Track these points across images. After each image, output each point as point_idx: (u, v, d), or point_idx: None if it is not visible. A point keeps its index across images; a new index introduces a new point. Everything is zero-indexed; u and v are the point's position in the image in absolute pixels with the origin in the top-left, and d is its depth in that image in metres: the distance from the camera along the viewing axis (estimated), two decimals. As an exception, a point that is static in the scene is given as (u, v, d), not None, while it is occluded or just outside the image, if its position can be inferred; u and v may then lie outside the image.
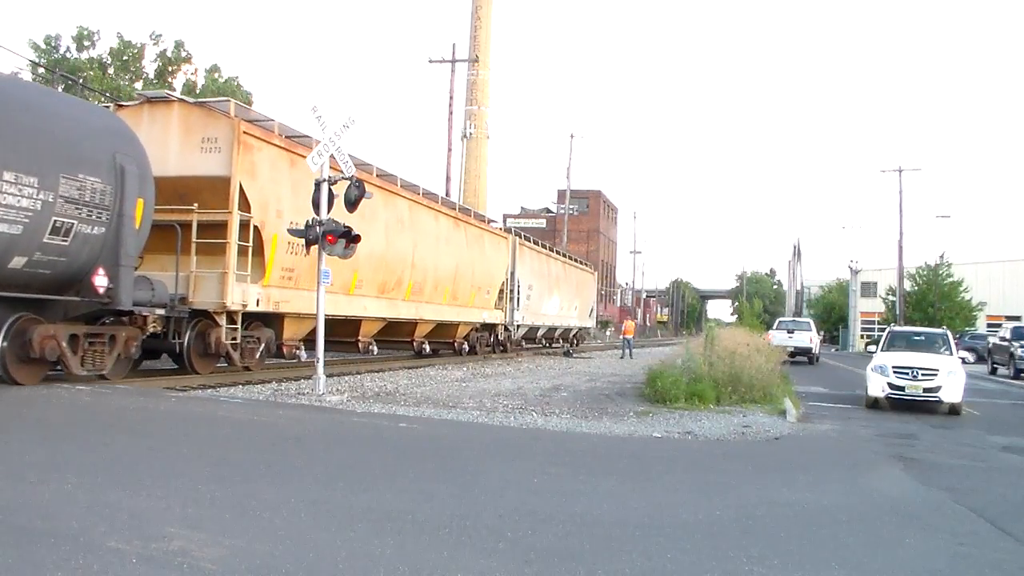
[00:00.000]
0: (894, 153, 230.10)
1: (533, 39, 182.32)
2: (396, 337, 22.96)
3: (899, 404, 16.07)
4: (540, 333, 36.51)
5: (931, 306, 51.05)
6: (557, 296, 37.77)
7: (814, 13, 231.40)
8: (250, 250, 14.99)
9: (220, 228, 14.60)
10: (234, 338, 15.15)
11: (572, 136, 60.75)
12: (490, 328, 29.49)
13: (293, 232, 13.88)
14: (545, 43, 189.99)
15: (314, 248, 13.66)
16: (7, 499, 5.79)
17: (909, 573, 5.42)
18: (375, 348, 21.09)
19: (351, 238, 13.54)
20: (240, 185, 14.72)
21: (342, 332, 19.77)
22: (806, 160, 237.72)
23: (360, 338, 20.30)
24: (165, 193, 14.25)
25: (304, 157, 15.95)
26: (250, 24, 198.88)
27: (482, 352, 29.03)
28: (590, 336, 49.71)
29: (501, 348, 31.24)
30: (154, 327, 13.85)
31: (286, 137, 16.61)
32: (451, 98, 37.69)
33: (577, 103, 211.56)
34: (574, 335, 43.01)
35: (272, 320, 16.69)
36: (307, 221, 13.47)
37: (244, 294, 14.93)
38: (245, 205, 14.90)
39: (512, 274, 30.51)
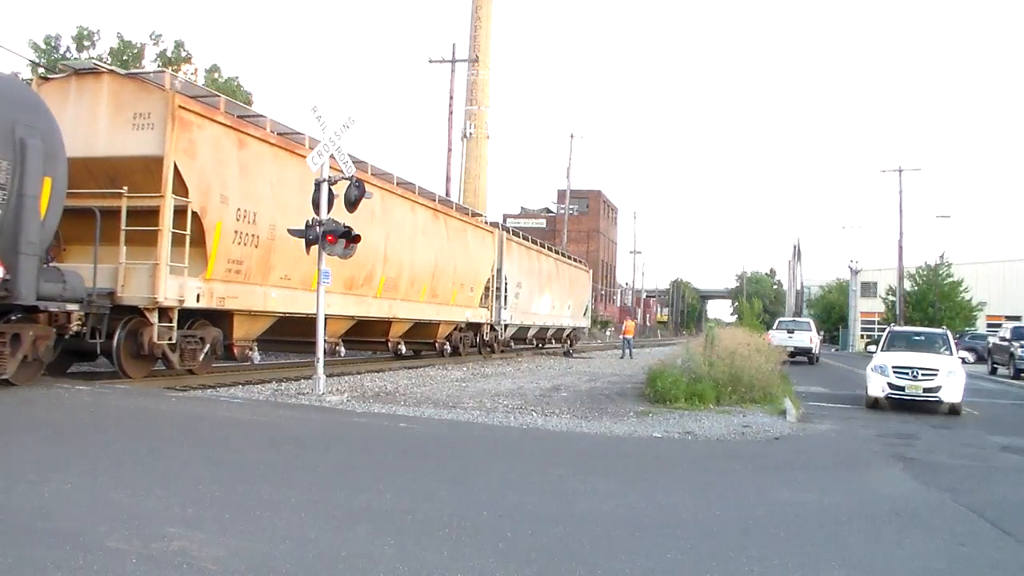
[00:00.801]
0: (894, 153, 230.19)
1: (533, 39, 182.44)
2: (369, 337, 21.60)
3: (899, 404, 16.06)
4: (531, 333, 34.97)
5: (931, 306, 51.06)
6: (548, 295, 36.26)
7: (814, 13, 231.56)
8: (187, 239, 13.52)
9: (154, 215, 13.20)
10: (171, 338, 13.57)
11: (572, 136, 60.81)
12: (475, 328, 28.06)
13: (293, 232, 13.81)
14: (545, 43, 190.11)
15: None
16: (7, 499, 5.79)
17: (909, 573, 5.42)
18: (342, 349, 19.41)
19: (351, 238, 13.53)
20: (175, 166, 13.28)
21: (305, 331, 17.76)
22: (806, 160, 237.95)
23: (326, 338, 18.73)
24: (95, 175, 13.29)
25: (253, 136, 15.12)
26: (250, 24, 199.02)
27: (466, 353, 27.48)
28: (585, 336, 48.21)
29: (488, 349, 29.75)
30: (78, 325, 12.36)
31: (238, 116, 15.28)
32: (451, 98, 37.69)
33: (577, 103, 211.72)
34: (568, 335, 41.55)
35: (220, 318, 15.26)
36: (307, 221, 13.45)
37: (180, 288, 13.47)
38: (182, 189, 13.46)
39: (499, 271, 29.01)
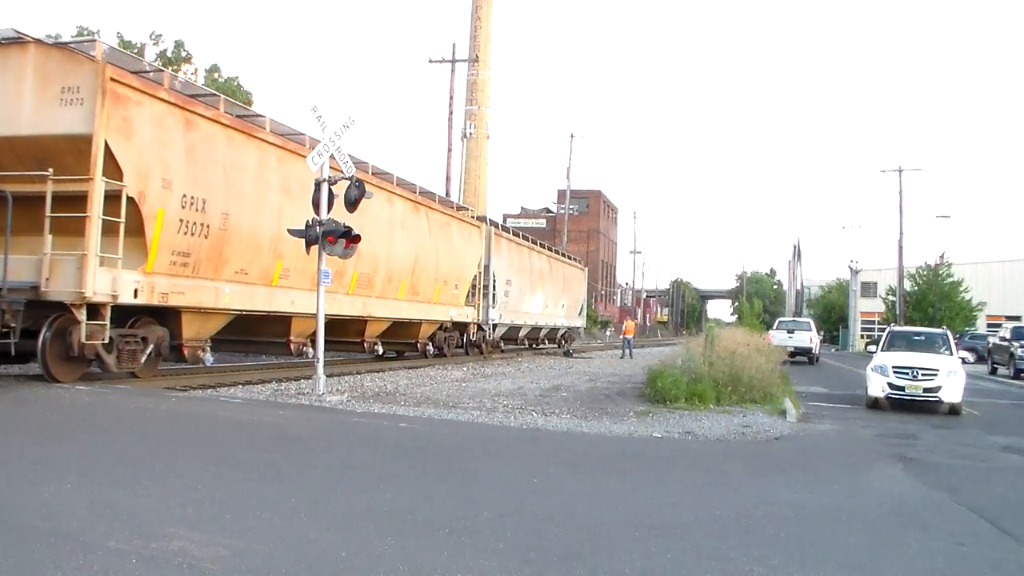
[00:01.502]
0: (894, 153, 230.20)
1: (533, 39, 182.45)
2: (342, 337, 20.37)
3: (899, 404, 16.06)
4: (522, 333, 33.77)
5: (931, 306, 51.06)
6: (541, 293, 35.14)
7: (814, 13, 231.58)
8: (122, 227, 12.34)
9: (86, 200, 12.06)
10: (104, 337, 12.37)
11: (572, 136, 60.73)
12: (462, 328, 26.85)
13: (293, 232, 13.80)
14: (545, 43, 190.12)
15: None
16: (7, 499, 5.80)
17: (909, 573, 5.42)
18: (310, 350, 17.75)
19: (351, 238, 13.53)
20: (107, 145, 12.09)
21: (269, 331, 17.34)
22: (806, 160, 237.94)
23: (292, 338, 17.59)
24: (21, 157, 12.35)
25: (203, 116, 13.99)
26: (250, 24, 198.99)
27: (452, 354, 26.27)
28: (581, 336, 46.85)
29: (476, 350, 28.57)
30: None
31: (190, 95, 14.19)
32: (451, 98, 37.71)
33: (577, 103, 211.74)
34: (562, 335, 40.63)
35: (167, 316, 14.05)
36: (307, 221, 13.44)
37: (113, 283, 12.31)
38: (116, 171, 12.28)
39: (487, 267, 27.75)
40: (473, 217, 28.35)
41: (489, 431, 10.89)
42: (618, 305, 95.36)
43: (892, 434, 12.61)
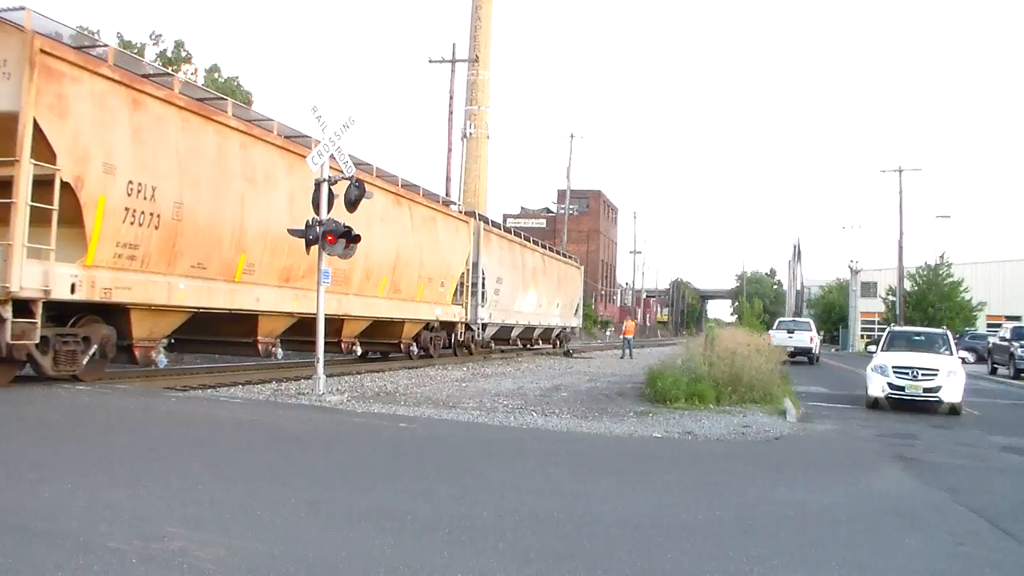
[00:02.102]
0: (894, 153, 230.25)
1: (533, 39, 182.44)
2: (310, 336, 19.16)
3: (899, 404, 16.07)
4: (514, 333, 32.51)
5: (931, 306, 51.10)
6: (534, 291, 33.79)
7: (814, 13, 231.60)
8: (55, 215, 11.26)
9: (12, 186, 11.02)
10: (35, 337, 11.29)
11: (572, 136, 60.56)
12: (449, 327, 25.70)
13: (293, 232, 13.79)
14: (545, 43, 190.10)
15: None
16: (7, 499, 5.79)
17: (909, 573, 5.42)
18: (280, 351, 17.02)
19: (351, 238, 13.53)
20: (36, 124, 11.10)
21: (235, 330, 16.12)
22: (806, 160, 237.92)
23: (260, 338, 16.38)
24: None
25: (153, 96, 12.87)
26: (250, 24, 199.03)
27: (439, 355, 25.11)
28: (576, 336, 45.52)
29: (464, 350, 27.55)
30: None
31: (125, 71, 12.76)
32: (451, 98, 37.71)
33: (577, 103, 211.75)
34: (556, 335, 39.36)
35: (115, 314, 12.86)
36: (307, 221, 13.44)
37: (45, 276, 11.25)
38: (48, 153, 11.27)
39: (475, 264, 26.55)
40: (461, 212, 27.22)
41: (489, 431, 10.89)
42: (618, 305, 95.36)
43: (892, 434, 12.61)
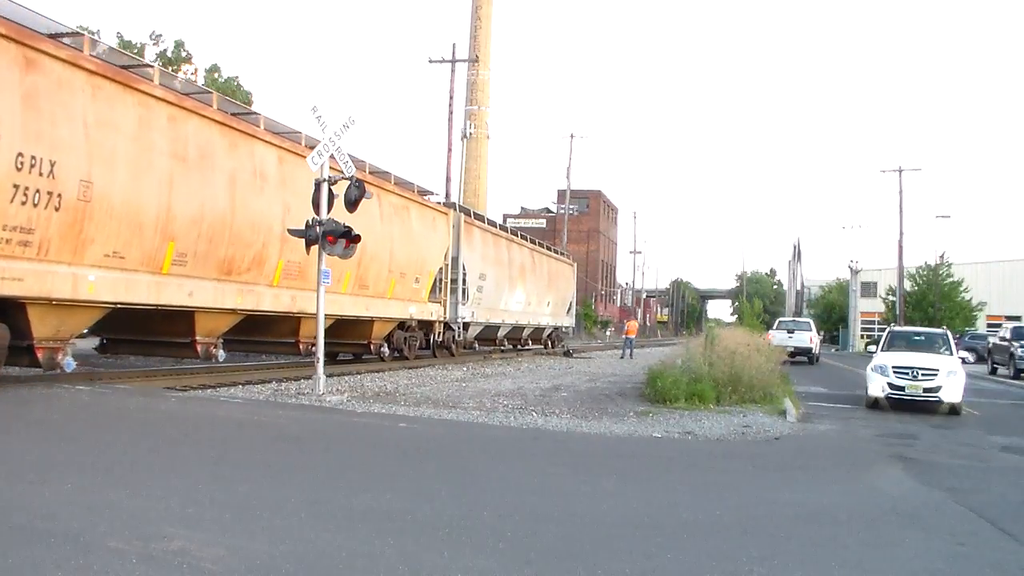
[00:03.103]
0: (894, 153, 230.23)
1: (533, 39, 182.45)
2: (270, 336, 17.67)
3: (899, 404, 16.07)
4: (501, 333, 30.79)
5: (931, 306, 51.13)
6: (522, 289, 31.97)
7: (814, 13, 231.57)
8: None
9: None
10: None
11: (572, 136, 60.54)
12: (427, 326, 23.98)
13: (293, 232, 13.78)
14: (545, 43, 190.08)
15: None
16: (7, 499, 5.79)
17: (909, 573, 5.42)
18: (222, 352, 15.40)
19: (351, 237, 13.52)
20: None
21: (169, 329, 14.45)
22: (806, 160, 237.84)
23: (198, 338, 14.65)
24: None
25: (54, 56, 11.15)
26: (250, 24, 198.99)
27: (415, 357, 23.42)
28: (570, 336, 43.55)
29: (445, 351, 25.85)
30: None
31: (15, 25, 10.93)
32: (451, 98, 37.71)
33: (577, 103, 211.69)
34: (548, 336, 37.87)
35: (9, 310, 11.28)
36: (307, 221, 13.43)
37: None
38: None
39: (455, 259, 24.77)
40: (440, 203, 25.12)
41: (489, 431, 10.89)
42: (618, 305, 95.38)
43: (892, 434, 12.61)
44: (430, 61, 38.40)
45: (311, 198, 13.71)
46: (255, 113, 15.89)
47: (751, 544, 5.74)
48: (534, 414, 12.58)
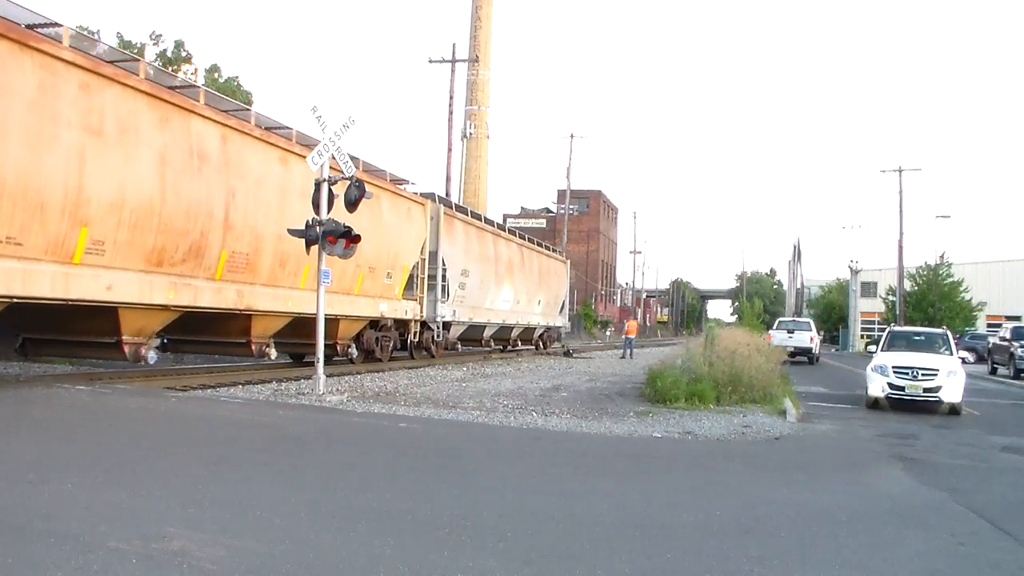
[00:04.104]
0: (894, 153, 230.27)
1: (533, 39, 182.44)
2: (216, 336, 16.12)
3: (899, 404, 16.07)
4: (487, 333, 29.18)
5: (931, 306, 51.12)
6: (510, 287, 30.23)
7: (814, 13, 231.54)
8: None
9: None
10: None
11: (572, 136, 60.45)
12: (403, 325, 22.27)
13: (293, 232, 13.77)
14: (545, 43, 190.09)
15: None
16: (7, 499, 5.79)
17: (909, 573, 5.42)
18: (153, 353, 13.86)
19: (351, 237, 13.52)
20: None
21: (89, 328, 13.03)
22: (806, 160, 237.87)
23: (124, 337, 13.08)
24: None
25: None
26: (250, 24, 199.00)
27: (389, 358, 21.78)
28: (561, 337, 41.72)
29: (423, 352, 24.12)
30: None
31: None
32: (451, 98, 37.70)
33: (577, 103, 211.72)
34: (539, 336, 36.19)
35: None
36: (307, 221, 13.43)
37: None
38: None
39: (434, 254, 23.16)
40: (416, 194, 22.96)
41: (489, 431, 10.89)
42: (618, 305, 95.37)
43: (892, 434, 12.61)
44: (430, 61, 38.42)
45: (311, 198, 13.70)
46: (195, 86, 14.24)
47: (751, 544, 5.74)
48: (534, 414, 12.58)
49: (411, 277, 21.90)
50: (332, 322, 18.19)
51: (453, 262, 24.50)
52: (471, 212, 28.48)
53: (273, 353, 17.12)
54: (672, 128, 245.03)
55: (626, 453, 9.76)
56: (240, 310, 15.30)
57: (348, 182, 13.77)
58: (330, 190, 13.59)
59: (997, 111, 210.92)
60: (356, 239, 13.66)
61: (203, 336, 15.90)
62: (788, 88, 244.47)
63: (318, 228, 13.23)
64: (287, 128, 16.79)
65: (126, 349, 13.24)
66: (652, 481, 8.25)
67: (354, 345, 20.03)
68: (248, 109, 16.08)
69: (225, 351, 17.74)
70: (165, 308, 13.61)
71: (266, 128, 16.01)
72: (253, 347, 16.35)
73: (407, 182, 22.60)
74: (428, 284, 22.89)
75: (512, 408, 13.24)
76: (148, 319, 13.52)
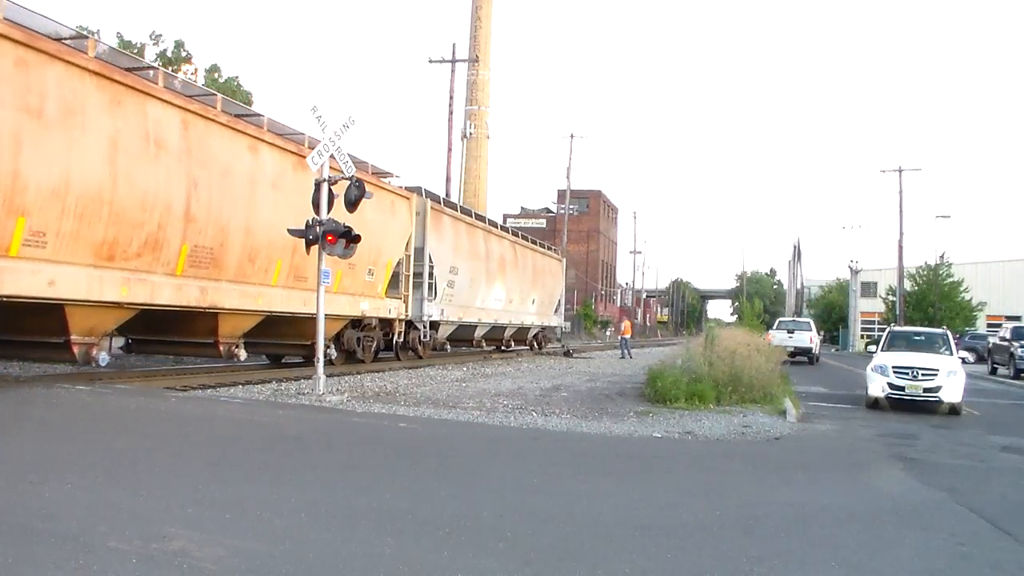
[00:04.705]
0: (894, 153, 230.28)
1: (533, 39, 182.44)
2: (179, 336, 15.15)
3: (899, 404, 16.07)
4: (478, 333, 28.14)
5: (931, 306, 51.13)
6: (502, 285, 29.18)
7: (814, 13, 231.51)
8: None
9: None
10: None
11: (572, 136, 60.38)
12: (387, 325, 21.23)
13: (293, 232, 13.77)
14: (545, 43, 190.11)
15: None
16: (7, 499, 5.79)
17: (909, 573, 5.42)
18: (104, 355, 12.87)
19: (351, 238, 13.52)
20: None
21: (34, 326, 12.16)
22: (806, 160, 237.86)
23: (73, 337, 12.21)
24: None
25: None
26: (250, 24, 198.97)
27: (370, 359, 20.61)
28: (556, 337, 40.69)
29: (410, 353, 23.03)
30: None
31: None
32: (451, 98, 37.68)
33: (577, 103, 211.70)
34: (534, 336, 35.30)
35: None
36: (307, 221, 13.43)
37: None
38: None
39: (420, 250, 22.13)
40: (400, 187, 21.66)
41: (489, 431, 10.89)
42: (618, 305, 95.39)
43: (892, 434, 12.61)
44: (430, 61, 38.38)
45: (311, 198, 13.69)
46: (153, 67, 13.03)
47: (751, 544, 5.74)
48: (534, 414, 12.58)
49: (395, 275, 20.98)
50: (307, 321, 16.61)
51: (441, 259, 23.50)
52: (460, 207, 27.34)
53: (243, 354, 16.02)
54: (672, 128, 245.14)
55: (626, 453, 9.76)
56: (204, 308, 14.29)
57: (348, 182, 13.77)
58: (330, 190, 13.59)
59: (997, 111, 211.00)
60: (356, 239, 13.67)
61: (168, 336, 15.10)
62: (788, 88, 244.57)
63: (318, 228, 13.23)
64: (258, 115, 16.01)
65: (75, 350, 12.33)
66: (652, 481, 8.25)
67: (333, 346, 18.85)
68: (214, 94, 14.98)
69: (192, 352, 16.66)
70: (118, 306, 12.65)
71: (236, 115, 14.99)
72: (221, 347, 15.34)
73: (391, 175, 21.27)
74: (414, 282, 21.87)
75: (512, 408, 13.24)
76: (100, 318, 12.59)
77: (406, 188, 22.18)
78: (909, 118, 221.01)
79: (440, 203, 24.09)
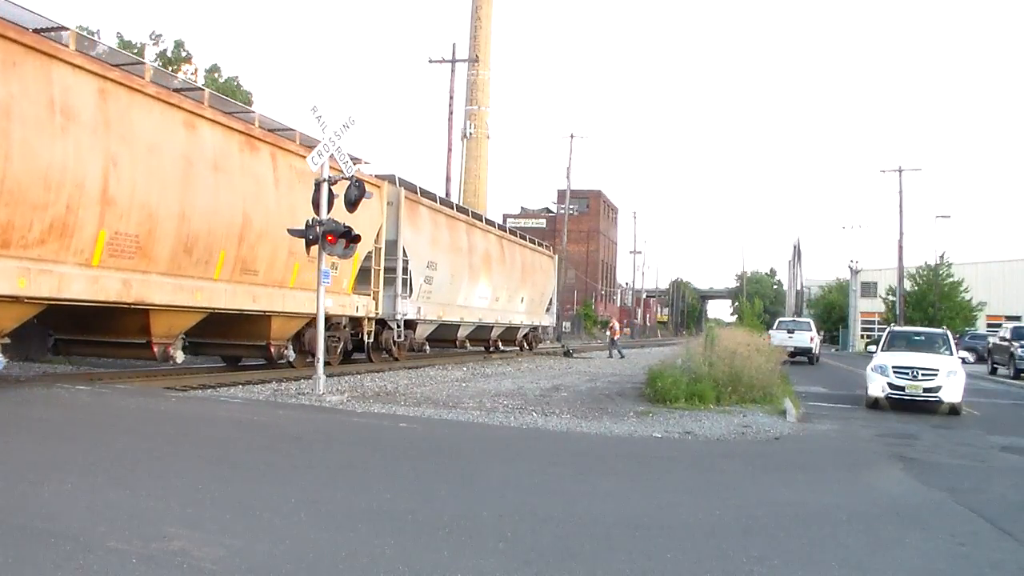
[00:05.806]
0: (894, 153, 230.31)
1: (533, 39, 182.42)
2: (112, 336, 13.68)
3: (899, 404, 16.07)
4: (461, 333, 26.45)
5: (931, 306, 51.12)
6: (487, 282, 27.43)
7: (814, 13, 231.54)
8: None
9: None
10: None
11: (572, 136, 60.29)
12: (357, 324, 19.54)
13: (293, 232, 13.77)
14: (545, 43, 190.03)
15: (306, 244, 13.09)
16: (7, 499, 5.79)
17: (909, 573, 5.42)
18: (1, 358, 11.32)
19: (351, 238, 13.52)
20: None
21: None
22: (806, 160, 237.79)
23: None
24: None
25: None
26: (250, 24, 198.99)
27: (337, 361, 19.06)
28: (548, 337, 39.00)
29: (383, 354, 21.30)
30: None
31: None
32: (451, 98, 37.67)
33: (577, 103, 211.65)
34: (523, 336, 33.67)
35: None
36: (307, 221, 13.43)
37: None
38: None
39: (393, 243, 20.44)
40: (372, 175, 20.03)
41: (489, 431, 10.89)
42: (618, 305, 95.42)
43: (892, 434, 12.62)
44: (430, 61, 38.35)
45: (311, 198, 13.69)
46: (64, 28, 11.51)
47: (751, 544, 5.74)
48: (534, 414, 12.58)
49: (365, 269, 19.18)
50: (262, 319, 15.57)
51: (417, 252, 21.72)
52: (440, 198, 25.28)
53: (180, 356, 14.38)
54: (672, 128, 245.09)
55: (626, 453, 9.77)
56: (129, 304, 12.56)
57: (345, 181, 13.77)
58: (330, 192, 13.60)
59: (997, 111, 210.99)
60: (356, 239, 13.67)
61: (94, 335, 13.65)
62: (788, 88, 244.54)
63: (318, 228, 13.24)
64: (198, 89, 14.50)
65: None
66: (652, 481, 8.25)
67: (291, 346, 17.26)
68: (142, 62, 13.32)
69: (123, 353, 14.90)
70: (16, 300, 10.83)
71: (173, 90, 13.33)
72: (155, 348, 13.72)
73: (361, 161, 19.11)
74: (386, 277, 20.14)
75: (512, 408, 13.24)
76: (11, 312, 11.06)
77: (377, 176, 20.51)
78: (909, 118, 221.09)
79: (416, 192, 22.27)
